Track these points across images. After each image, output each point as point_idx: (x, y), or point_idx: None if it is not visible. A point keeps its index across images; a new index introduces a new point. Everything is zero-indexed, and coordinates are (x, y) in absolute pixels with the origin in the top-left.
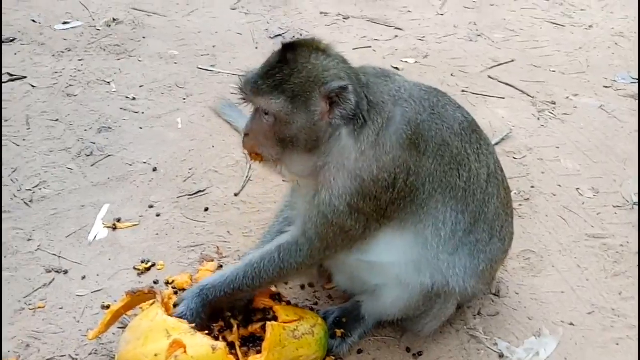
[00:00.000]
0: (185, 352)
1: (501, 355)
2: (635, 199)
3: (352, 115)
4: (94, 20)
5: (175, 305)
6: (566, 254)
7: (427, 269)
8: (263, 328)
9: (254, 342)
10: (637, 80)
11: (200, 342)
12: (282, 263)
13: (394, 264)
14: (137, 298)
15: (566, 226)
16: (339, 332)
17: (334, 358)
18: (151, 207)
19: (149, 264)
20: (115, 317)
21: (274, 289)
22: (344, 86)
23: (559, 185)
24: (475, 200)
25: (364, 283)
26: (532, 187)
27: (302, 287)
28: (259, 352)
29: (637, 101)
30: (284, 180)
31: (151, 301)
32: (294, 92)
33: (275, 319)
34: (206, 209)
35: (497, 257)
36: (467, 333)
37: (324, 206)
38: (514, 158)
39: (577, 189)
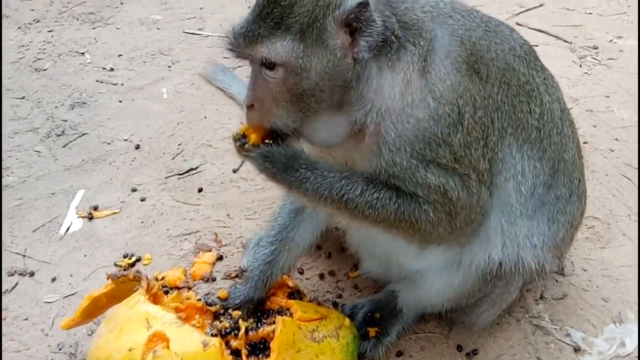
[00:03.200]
0: (167, 347)
1: (577, 349)
2: None
3: (381, 42)
4: None
5: None
6: (637, 219)
7: (499, 238)
8: None
9: (264, 350)
10: None
11: (187, 336)
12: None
13: None
14: (121, 286)
15: (632, 186)
16: (372, 330)
17: None
18: (134, 190)
19: (133, 258)
20: (94, 307)
21: (291, 283)
22: (363, 2)
23: (616, 139)
24: (552, 144)
25: (401, 268)
26: (585, 142)
27: (321, 276)
28: None
29: None
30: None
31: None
32: (301, 25)
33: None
34: (200, 190)
35: (576, 221)
36: (531, 323)
37: (391, 172)
38: None
39: (639, 141)
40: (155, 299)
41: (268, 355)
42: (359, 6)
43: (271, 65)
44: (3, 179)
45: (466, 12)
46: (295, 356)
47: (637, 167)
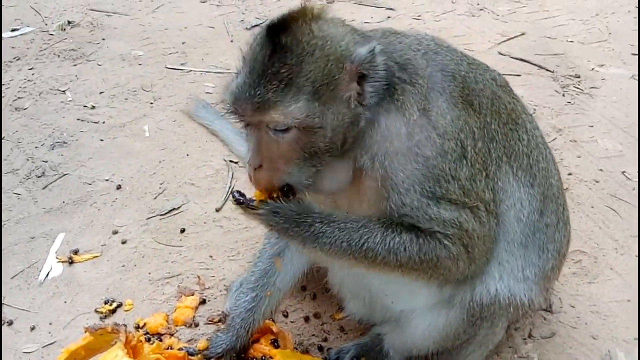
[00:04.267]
0: None
1: None
2: None
3: (385, 85)
4: (46, 25)
5: None
6: (624, 252)
7: (497, 269)
8: None
9: None
10: None
11: None
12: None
13: None
14: (100, 338)
15: (618, 218)
16: None
17: None
18: (115, 232)
19: (114, 304)
20: None
21: (275, 329)
22: (372, 50)
23: (601, 170)
24: (540, 169)
25: (385, 309)
26: (570, 174)
27: (306, 319)
28: None
29: None
30: None
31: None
32: (314, 84)
33: None
34: (182, 230)
35: (564, 250)
36: None
37: (402, 212)
38: None
39: (623, 172)
40: (134, 352)
41: None
42: (370, 54)
43: (284, 128)
44: None
45: (446, 46)
46: None
47: (621, 198)
